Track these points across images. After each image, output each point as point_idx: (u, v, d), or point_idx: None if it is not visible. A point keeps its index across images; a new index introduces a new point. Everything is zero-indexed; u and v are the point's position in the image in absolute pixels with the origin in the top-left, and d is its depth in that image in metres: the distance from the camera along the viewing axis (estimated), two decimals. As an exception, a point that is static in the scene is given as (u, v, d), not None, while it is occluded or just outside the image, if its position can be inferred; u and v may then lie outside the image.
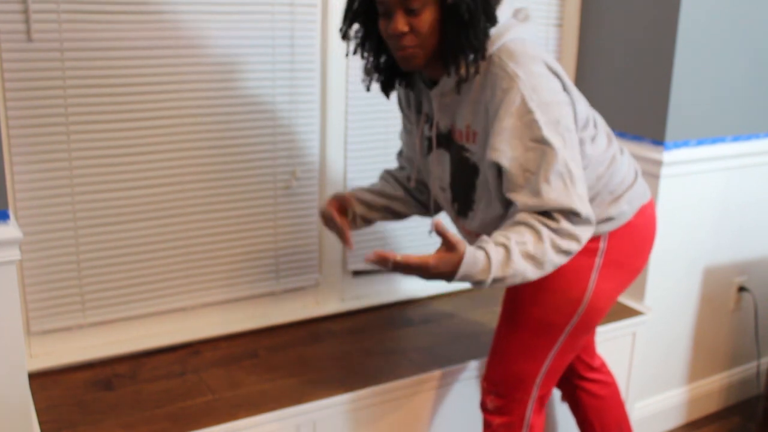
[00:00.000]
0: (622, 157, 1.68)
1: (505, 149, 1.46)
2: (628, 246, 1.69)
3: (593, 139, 1.61)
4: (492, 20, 1.47)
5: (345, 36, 1.58)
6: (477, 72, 1.49)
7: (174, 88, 1.87)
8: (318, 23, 2.02)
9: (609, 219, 1.65)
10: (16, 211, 1.75)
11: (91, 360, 1.88)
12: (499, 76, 1.46)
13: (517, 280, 1.44)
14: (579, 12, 2.45)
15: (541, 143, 1.44)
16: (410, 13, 1.44)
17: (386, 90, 1.66)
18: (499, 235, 1.44)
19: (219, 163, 1.97)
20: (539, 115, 1.44)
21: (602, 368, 1.95)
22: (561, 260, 1.47)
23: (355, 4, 1.55)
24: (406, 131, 1.80)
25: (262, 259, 2.10)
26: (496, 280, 1.43)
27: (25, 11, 1.65)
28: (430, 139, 1.67)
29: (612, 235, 1.66)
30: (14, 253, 1.36)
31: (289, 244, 2.13)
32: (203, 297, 2.04)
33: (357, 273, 2.28)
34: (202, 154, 1.94)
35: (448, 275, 1.40)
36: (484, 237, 1.45)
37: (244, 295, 2.10)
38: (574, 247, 1.48)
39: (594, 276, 1.65)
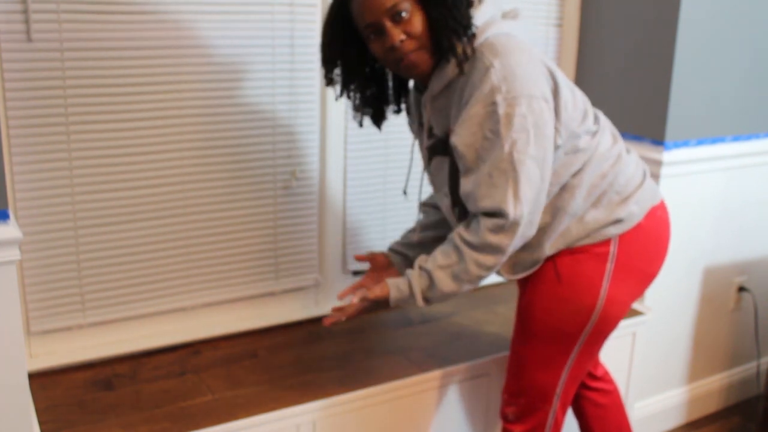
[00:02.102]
0: (628, 157, 1.67)
1: (464, 134, 1.49)
2: (640, 250, 1.65)
3: (594, 134, 1.61)
4: (470, 2, 1.50)
5: (330, 82, 1.61)
6: (473, 51, 1.50)
7: (174, 88, 1.87)
8: (318, 23, 2.02)
9: (618, 221, 1.62)
10: (16, 211, 1.75)
11: (91, 360, 1.88)
12: (477, 68, 1.48)
13: (453, 294, 1.59)
14: (579, 12, 2.45)
15: (496, 135, 1.46)
16: (399, 20, 1.46)
17: (378, 122, 1.69)
18: (427, 259, 1.61)
19: (219, 163, 1.97)
20: (502, 108, 1.44)
21: (605, 377, 1.94)
22: (488, 273, 1.56)
23: (332, 46, 1.57)
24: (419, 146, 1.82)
25: (261, 259, 2.10)
26: (428, 300, 1.61)
27: (25, 11, 1.65)
28: (428, 149, 1.68)
29: (622, 238, 1.62)
30: (14, 253, 1.36)
31: (288, 244, 2.13)
32: (203, 297, 2.04)
33: (357, 273, 2.27)
34: (202, 155, 1.94)
35: (386, 305, 1.65)
36: (419, 259, 1.63)
37: (244, 295, 2.10)
38: (499, 259, 1.53)
39: (606, 282, 1.62)
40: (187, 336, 2.00)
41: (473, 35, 1.49)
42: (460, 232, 1.55)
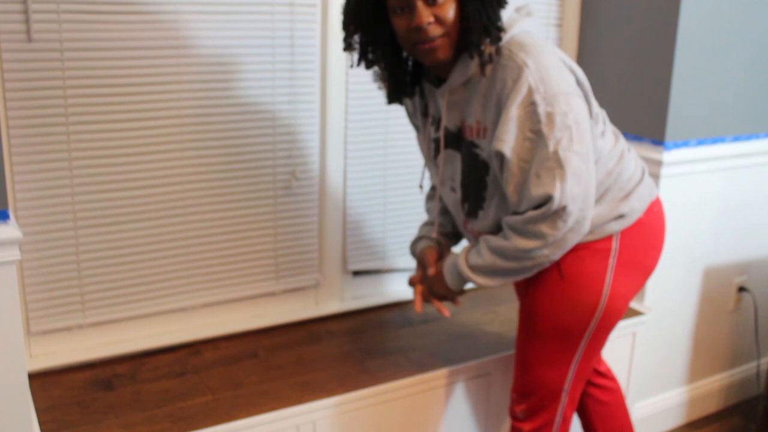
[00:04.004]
0: (629, 155, 1.69)
1: (508, 139, 1.48)
2: (641, 244, 1.67)
3: (603, 134, 1.63)
4: (503, 3, 1.48)
5: (349, 47, 1.56)
6: (498, 53, 1.48)
7: (174, 88, 1.87)
8: (318, 23, 2.02)
9: (620, 216, 1.63)
10: (16, 211, 1.75)
11: (91, 360, 1.88)
12: (509, 67, 1.47)
13: (496, 270, 1.59)
14: (579, 12, 2.45)
15: (538, 135, 1.46)
16: (432, 3, 1.44)
17: (391, 99, 1.65)
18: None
19: (219, 163, 1.97)
20: (542, 108, 1.44)
21: (608, 374, 1.95)
22: (532, 260, 1.55)
23: (360, 10, 1.52)
24: (418, 139, 1.81)
25: (262, 259, 2.10)
26: (473, 269, 1.62)
27: (25, 11, 1.65)
28: (437, 141, 1.67)
29: (624, 234, 1.64)
30: (14, 253, 1.36)
31: (289, 244, 2.13)
32: (203, 297, 2.04)
33: (357, 273, 2.28)
34: (202, 154, 1.94)
35: (442, 276, 1.71)
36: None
37: (244, 295, 2.10)
38: (541, 245, 1.51)
39: (609, 278, 1.62)
40: (187, 336, 2.00)
41: (500, 38, 1.48)
42: (507, 217, 1.56)
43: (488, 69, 1.50)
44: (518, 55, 1.46)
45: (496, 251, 1.57)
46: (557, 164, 1.45)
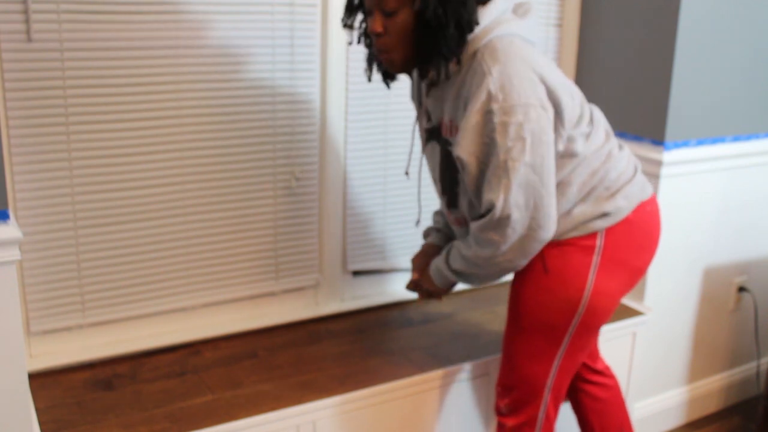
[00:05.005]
0: (620, 153, 1.68)
1: (465, 144, 1.52)
2: (628, 243, 1.67)
3: (588, 136, 1.62)
4: (467, 26, 1.49)
5: (346, 25, 1.62)
6: (447, 77, 1.54)
7: (174, 88, 1.87)
8: (318, 23, 2.02)
9: (604, 215, 1.63)
10: (16, 211, 1.75)
11: (91, 360, 1.88)
12: (476, 72, 1.49)
13: (468, 274, 1.67)
14: (579, 12, 2.45)
15: (492, 141, 1.48)
16: (386, 15, 1.48)
17: (386, 80, 1.70)
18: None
19: (219, 164, 1.97)
20: (498, 117, 1.46)
21: (605, 371, 1.95)
22: (495, 269, 1.61)
23: (356, 0, 1.59)
24: None
25: (262, 259, 2.10)
26: (452, 270, 1.69)
27: (25, 11, 1.65)
28: (425, 131, 1.71)
29: (609, 232, 1.64)
30: (14, 253, 1.36)
31: (289, 244, 2.13)
32: (203, 297, 2.04)
33: (357, 273, 2.28)
34: (202, 155, 1.94)
35: (429, 276, 1.79)
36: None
37: (244, 295, 2.10)
38: (496, 253, 1.56)
39: (592, 275, 1.63)
40: (187, 336, 2.00)
41: (457, 62, 1.51)
42: (471, 223, 1.61)
43: (465, 66, 1.53)
44: (486, 62, 1.48)
45: (464, 259, 1.64)
46: (505, 173, 1.48)
